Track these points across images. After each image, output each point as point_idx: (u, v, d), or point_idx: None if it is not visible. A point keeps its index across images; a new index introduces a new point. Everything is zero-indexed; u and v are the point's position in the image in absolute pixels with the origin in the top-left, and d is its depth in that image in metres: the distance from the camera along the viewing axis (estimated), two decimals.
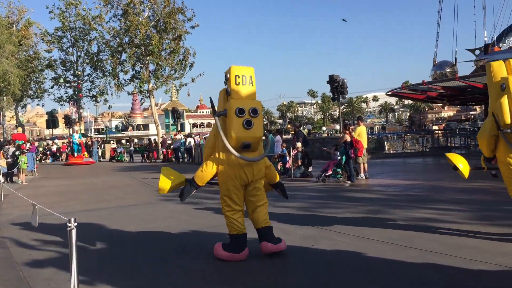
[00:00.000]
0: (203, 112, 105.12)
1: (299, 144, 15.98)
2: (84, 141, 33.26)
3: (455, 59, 26.21)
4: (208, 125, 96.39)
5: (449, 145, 28.05)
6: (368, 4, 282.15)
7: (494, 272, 4.46)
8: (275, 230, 6.71)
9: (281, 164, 16.68)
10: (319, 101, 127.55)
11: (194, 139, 29.85)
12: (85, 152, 31.02)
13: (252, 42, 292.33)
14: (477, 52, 25.08)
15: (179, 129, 35.49)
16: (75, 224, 3.66)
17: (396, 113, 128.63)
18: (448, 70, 24.94)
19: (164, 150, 31.44)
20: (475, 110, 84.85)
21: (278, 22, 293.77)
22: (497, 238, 5.75)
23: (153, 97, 33.94)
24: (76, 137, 31.48)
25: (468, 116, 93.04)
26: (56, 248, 6.17)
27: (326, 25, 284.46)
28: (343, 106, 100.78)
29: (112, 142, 52.56)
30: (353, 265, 4.98)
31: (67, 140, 37.59)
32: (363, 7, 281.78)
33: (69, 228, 3.63)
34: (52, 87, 39.41)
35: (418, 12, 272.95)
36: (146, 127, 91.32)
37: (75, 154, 30.46)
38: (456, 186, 11.52)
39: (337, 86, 22.63)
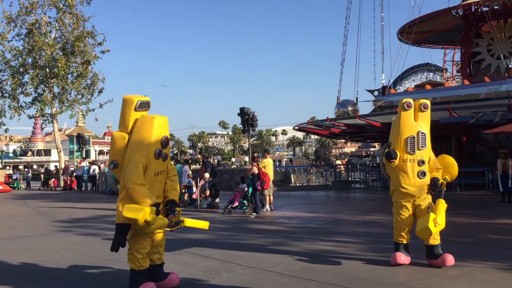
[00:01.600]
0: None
1: (206, 175, 15.96)
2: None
3: (357, 98, 27.92)
4: None
5: (349, 179, 29.51)
6: (279, 42, 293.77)
7: None
8: (176, 262, 6.60)
9: (188, 195, 16.52)
10: (230, 133, 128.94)
11: (100, 167, 28.66)
12: None
13: (165, 70, 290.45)
14: (376, 93, 26.87)
15: (84, 156, 34.02)
16: None
17: (303, 147, 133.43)
18: (350, 109, 26.44)
19: (66, 177, 29.86)
20: (374, 146, 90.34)
21: (190, 51, 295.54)
22: (389, 270, 6.08)
23: (57, 122, 32.31)
24: None
25: (368, 152, 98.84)
26: None
27: (239, 58, 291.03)
28: (253, 139, 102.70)
29: (8, 167, 48.99)
30: None
31: None
32: (274, 45, 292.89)
33: None
34: None
35: (324, 53, 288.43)
36: (47, 152, 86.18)
37: None
38: (354, 219, 12.12)
39: (247, 118, 23.07)
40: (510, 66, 22.68)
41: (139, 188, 4.83)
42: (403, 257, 6.27)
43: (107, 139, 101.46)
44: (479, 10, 25.75)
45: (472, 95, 22.31)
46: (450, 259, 6.05)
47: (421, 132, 6.29)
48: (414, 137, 6.28)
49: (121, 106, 5.35)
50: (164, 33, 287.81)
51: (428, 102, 6.46)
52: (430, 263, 6.25)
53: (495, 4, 25.30)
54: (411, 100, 6.45)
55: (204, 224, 5.59)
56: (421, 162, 6.27)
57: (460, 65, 32.35)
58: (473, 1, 25.20)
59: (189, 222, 5.38)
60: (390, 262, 6.29)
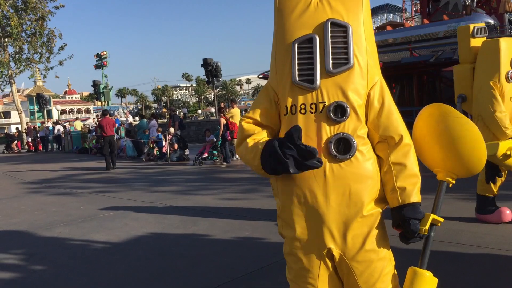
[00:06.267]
0: (72, 97, 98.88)
1: (171, 130, 15.89)
2: None
3: None
4: (79, 111, 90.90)
5: None
6: None
7: None
8: (152, 213, 6.74)
9: (157, 149, 16.49)
10: (194, 85, 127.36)
11: (65, 127, 28.09)
12: None
13: (124, 24, 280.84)
14: None
15: (46, 116, 33.24)
16: None
17: None
18: None
19: (30, 139, 29.23)
20: None
21: (150, 2, 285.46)
22: None
23: (14, 83, 31.26)
24: None
25: None
26: None
27: (199, 8, 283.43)
28: (217, 89, 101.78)
29: None
30: (222, 246, 5.17)
31: None
32: None
33: None
34: None
35: None
36: (7, 115, 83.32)
37: None
38: None
39: (211, 69, 22.82)
40: (467, 3, 22.90)
41: (500, 116, 4.66)
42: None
43: (68, 97, 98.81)
44: None
45: (432, 34, 22.55)
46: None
47: (333, 23, 1.95)
48: (311, 39, 1.95)
49: (457, 39, 5.48)
50: None
51: None
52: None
53: None
54: None
55: None
56: (337, 110, 1.89)
57: (419, 5, 32.46)
58: None
59: None
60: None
